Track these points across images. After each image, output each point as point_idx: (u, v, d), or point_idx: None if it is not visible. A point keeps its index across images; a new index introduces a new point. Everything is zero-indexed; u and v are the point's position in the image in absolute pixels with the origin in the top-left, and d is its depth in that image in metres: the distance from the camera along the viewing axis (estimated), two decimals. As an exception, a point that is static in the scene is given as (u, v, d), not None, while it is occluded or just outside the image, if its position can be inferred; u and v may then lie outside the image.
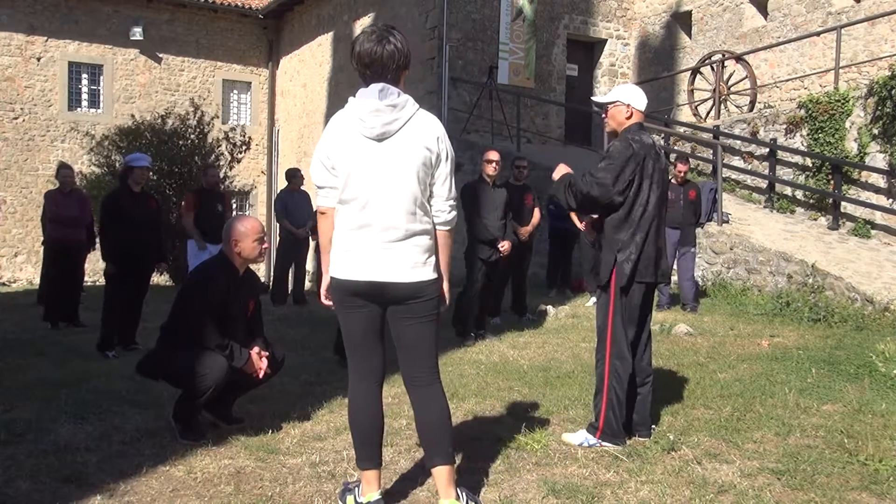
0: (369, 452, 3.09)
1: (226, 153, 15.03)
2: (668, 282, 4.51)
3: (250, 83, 20.54)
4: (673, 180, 9.23)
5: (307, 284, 11.73)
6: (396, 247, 2.97)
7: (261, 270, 17.54)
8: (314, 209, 10.58)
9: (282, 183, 19.75)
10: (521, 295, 8.84)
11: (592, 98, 4.29)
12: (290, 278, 10.84)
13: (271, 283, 11.02)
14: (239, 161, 15.88)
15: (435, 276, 3.06)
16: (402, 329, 3.05)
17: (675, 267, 9.24)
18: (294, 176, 10.76)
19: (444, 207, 3.08)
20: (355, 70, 3.05)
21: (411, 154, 2.98)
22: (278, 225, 10.77)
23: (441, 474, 3.04)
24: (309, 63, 19.25)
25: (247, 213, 20.08)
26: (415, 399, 3.10)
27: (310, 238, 10.71)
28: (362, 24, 16.84)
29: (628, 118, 4.11)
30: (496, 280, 7.78)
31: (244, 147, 15.53)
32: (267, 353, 4.25)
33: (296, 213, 10.36)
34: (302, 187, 10.82)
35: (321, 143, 3.05)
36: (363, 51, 2.99)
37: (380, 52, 2.98)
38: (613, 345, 4.02)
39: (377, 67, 2.98)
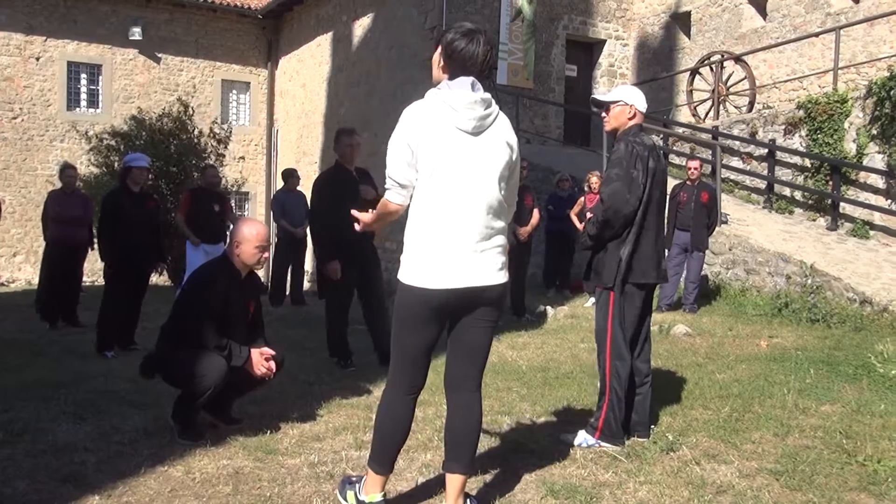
0: (387, 459, 3.04)
1: (212, 149, 14.97)
2: (665, 281, 4.52)
3: (249, 83, 20.53)
4: (687, 181, 9.28)
5: (305, 285, 11.73)
6: (487, 247, 2.93)
7: (260, 270, 17.52)
8: (310, 207, 10.60)
9: (281, 183, 19.82)
10: (519, 295, 8.84)
11: (593, 96, 4.28)
12: (288, 279, 10.84)
13: (269, 284, 11.03)
14: (223, 156, 15.78)
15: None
16: (472, 332, 2.98)
17: (684, 268, 9.26)
18: (291, 176, 10.78)
19: (511, 209, 3.10)
20: (448, 62, 2.92)
21: (501, 151, 2.96)
22: (275, 225, 10.77)
23: (454, 482, 3.02)
24: (308, 63, 19.25)
25: (246, 213, 20.07)
26: (456, 402, 3.04)
27: (307, 238, 10.72)
28: (362, 24, 16.84)
29: (631, 118, 4.11)
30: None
31: (227, 141, 15.36)
32: (273, 353, 4.24)
33: (293, 213, 10.36)
34: (299, 187, 10.83)
35: (401, 135, 2.88)
36: (470, 52, 2.90)
37: (484, 55, 2.92)
38: (613, 346, 4.02)
39: (475, 68, 2.93)
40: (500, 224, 2.98)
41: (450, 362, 3.06)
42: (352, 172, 6.09)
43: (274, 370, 4.22)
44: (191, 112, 14.97)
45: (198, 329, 4.01)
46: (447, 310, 2.93)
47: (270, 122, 20.78)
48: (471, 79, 2.91)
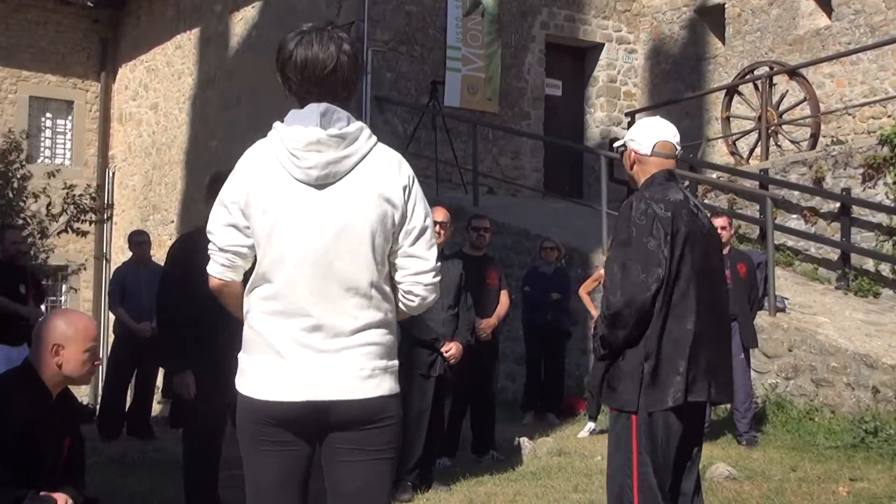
0: None
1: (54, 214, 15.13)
2: (728, 399, 4.54)
3: (72, 103, 20.46)
4: None
5: (155, 408, 11.50)
6: (343, 346, 2.99)
7: (83, 386, 17.13)
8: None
9: (116, 251, 19.34)
10: (484, 423, 8.79)
11: (615, 143, 4.55)
12: (127, 398, 10.62)
13: (98, 406, 10.80)
14: (82, 231, 15.96)
15: (398, 389, 3.09)
16: (344, 471, 3.04)
17: None
18: (140, 243, 10.66)
19: (417, 289, 3.11)
20: (284, 84, 3.10)
21: (364, 209, 3.01)
22: (113, 317, 10.61)
23: None
24: (162, 74, 19.31)
25: (64, 299, 19.73)
26: None
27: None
28: (244, 18, 17.01)
29: (632, 166, 4.29)
30: (448, 402, 7.76)
31: (93, 211, 15.70)
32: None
33: (139, 298, 10.20)
34: (154, 259, 10.72)
35: (230, 186, 3.09)
36: (309, 58, 3.01)
37: (334, 62, 3.01)
38: (642, 494, 4.01)
39: (326, 83, 3.03)
40: (371, 314, 3.04)
41: None
42: (228, 240, 6.10)
43: None
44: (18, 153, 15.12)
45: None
46: (292, 429, 3.00)
47: (104, 162, 20.63)
48: (324, 106, 3.02)
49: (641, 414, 4.02)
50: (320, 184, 2.98)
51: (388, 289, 3.09)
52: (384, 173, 3.06)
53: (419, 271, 3.13)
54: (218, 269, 3.13)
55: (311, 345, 2.97)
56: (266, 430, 3.00)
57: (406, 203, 3.08)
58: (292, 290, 2.98)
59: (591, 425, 9.60)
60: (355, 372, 2.99)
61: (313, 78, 3.02)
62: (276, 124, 3.06)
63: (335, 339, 2.98)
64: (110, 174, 20.59)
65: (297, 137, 2.98)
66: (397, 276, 3.12)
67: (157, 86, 19.49)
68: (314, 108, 3.01)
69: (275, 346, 2.99)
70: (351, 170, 3.01)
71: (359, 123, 3.06)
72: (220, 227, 3.10)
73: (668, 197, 4.11)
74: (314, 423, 2.99)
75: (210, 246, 3.14)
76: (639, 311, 3.98)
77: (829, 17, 14.72)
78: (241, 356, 3.10)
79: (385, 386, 3.04)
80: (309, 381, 2.96)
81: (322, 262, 2.98)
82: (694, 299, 4.06)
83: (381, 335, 3.05)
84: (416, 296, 3.13)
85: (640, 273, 3.97)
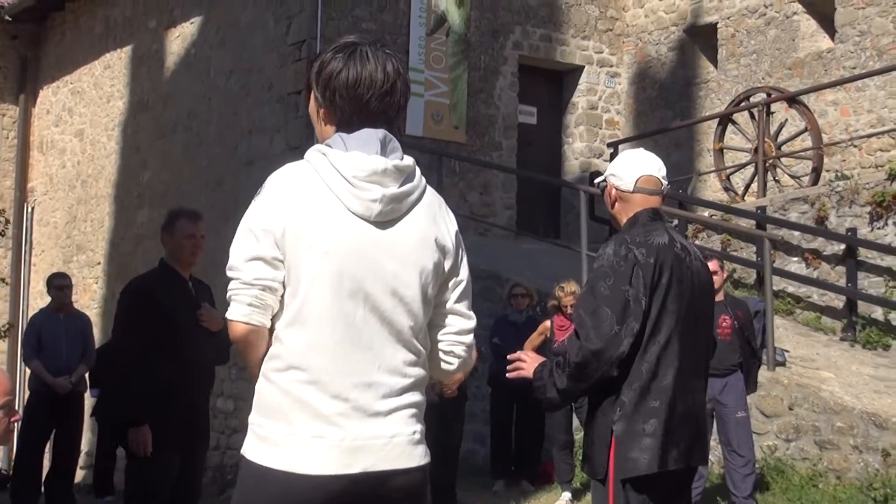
0: None
1: None
2: (703, 462, 4.52)
3: (-14, 128, 20.34)
4: None
5: (78, 472, 11.38)
6: (394, 407, 2.93)
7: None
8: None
9: (35, 296, 19.19)
10: (444, 490, 8.76)
11: (596, 179, 4.57)
12: (45, 463, 10.50)
13: (12, 471, 10.67)
14: None
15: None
16: None
17: (712, 439, 9.26)
18: (61, 287, 10.59)
19: (458, 350, 3.13)
20: (325, 105, 3.00)
21: (423, 255, 2.97)
22: (28, 371, 10.51)
23: None
24: (89, 97, 19.21)
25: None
26: None
27: (83, 393, 10.48)
28: (182, 34, 16.97)
29: (613, 204, 4.30)
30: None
31: None
32: None
33: (56, 349, 10.13)
34: (76, 304, 10.64)
35: (262, 212, 2.90)
36: (363, 76, 2.97)
37: (391, 83, 2.99)
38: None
39: (379, 107, 2.97)
40: (417, 372, 3.01)
41: None
42: (187, 282, 6.10)
43: None
44: None
45: None
46: None
47: (22, 195, 20.45)
48: (380, 132, 2.96)
49: (616, 483, 4.01)
50: (381, 221, 2.91)
51: (428, 341, 3.06)
52: (437, 217, 3.05)
53: (462, 330, 3.14)
54: (243, 312, 2.88)
55: (361, 406, 2.87)
56: None
57: (456, 253, 3.07)
58: (339, 341, 2.86)
59: (566, 495, 9.54)
60: (408, 437, 2.95)
61: (364, 100, 2.97)
62: (321, 148, 2.95)
63: (386, 400, 2.91)
64: (29, 209, 20.40)
65: (357, 165, 2.88)
66: (437, 335, 3.09)
67: (83, 110, 19.38)
68: (372, 134, 2.94)
69: (316, 408, 2.84)
70: (411, 209, 2.97)
71: (411, 158, 3.00)
72: (244, 258, 2.89)
73: (651, 240, 4.10)
74: (360, 500, 2.87)
75: (232, 285, 2.90)
76: (607, 364, 3.96)
77: (832, 39, 14.83)
78: (261, 421, 2.91)
79: (427, 454, 3.02)
80: (362, 448, 2.85)
81: (377, 311, 2.89)
82: (675, 357, 4.07)
83: (420, 396, 3.02)
84: (457, 357, 3.14)
85: (613, 324, 3.95)
